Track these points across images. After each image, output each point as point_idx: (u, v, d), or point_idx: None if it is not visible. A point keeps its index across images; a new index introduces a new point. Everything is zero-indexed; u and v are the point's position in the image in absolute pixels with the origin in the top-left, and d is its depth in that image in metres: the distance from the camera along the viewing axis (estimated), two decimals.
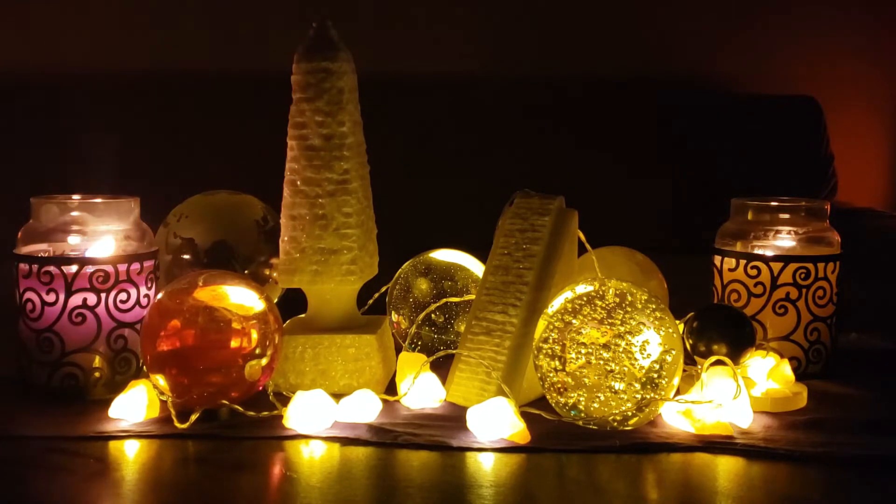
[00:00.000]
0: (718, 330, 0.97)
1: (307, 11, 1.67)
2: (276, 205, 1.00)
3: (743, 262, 1.04)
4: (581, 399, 0.83)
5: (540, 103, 1.74)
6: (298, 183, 0.96)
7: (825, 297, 1.03)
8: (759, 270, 1.03)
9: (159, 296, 0.89)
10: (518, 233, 0.98)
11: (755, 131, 1.76)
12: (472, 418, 0.84)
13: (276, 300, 1.12)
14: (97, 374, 0.93)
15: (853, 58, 1.93)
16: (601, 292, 0.85)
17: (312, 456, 0.81)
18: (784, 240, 1.07)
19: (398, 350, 1.05)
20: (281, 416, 0.86)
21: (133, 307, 0.94)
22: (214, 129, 1.64)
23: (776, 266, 1.03)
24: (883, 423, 0.88)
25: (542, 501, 0.73)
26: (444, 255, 1.10)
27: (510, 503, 0.72)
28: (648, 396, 0.82)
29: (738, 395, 0.88)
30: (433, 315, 1.07)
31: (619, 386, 0.82)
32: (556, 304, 0.87)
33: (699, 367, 0.93)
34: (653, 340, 0.82)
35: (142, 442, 0.83)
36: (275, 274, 1.13)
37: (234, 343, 0.86)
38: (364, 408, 0.88)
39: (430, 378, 0.94)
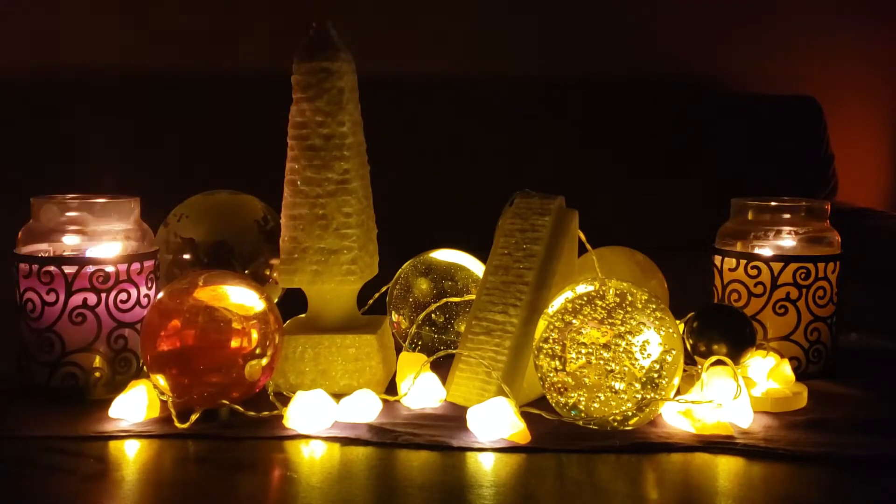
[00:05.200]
0: (718, 330, 0.97)
1: (307, 11, 1.67)
2: (276, 205, 1.00)
3: (743, 262, 1.04)
4: (581, 399, 0.83)
5: (540, 103, 1.74)
6: (298, 183, 0.96)
7: (825, 297, 1.03)
8: (760, 270, 1.03)
9: (159, 296, 0.89)
10: (518, 233, 0.98)
11: (755, 131, 1.76)
12: (472, 418, 0.84)
13: (276, 300, 1.12)
14: (97, 374, 0.93)
15: (853, 58, 1.93)
16: (601, 292, 0.85)
17: (312, 456, 0.81)
18: (784, 240, 1.07)
19: (398, 350, 1.05)
20: (281, 416, 0.86)
21: (133, 307, 0.94)
22: (214, 129, 1.63)
23: (776, 266, 1.03)
24: (883, 423, 0.88)
25: (542, 501, 0.73)
26: (444, 255, 1.10)
27: (510, 503, 0.72)
28: (648, 396, 0.82)
29: (739, 395, 0.88)
30: (433, 315, 1.07)
31: (619, 386, 0.82)
32: (557, 303, 0.87)
33: (699, 367, 0.93)
34: (653, 340, 0.82)
35: (142, 442, 0.83)
36: (275, 274, 1.13)
37: (234, 343, 0.86)
38: (364, 408, 0.88)
39: (430, 378, 0.94)
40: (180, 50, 1.74)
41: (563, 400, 0.85)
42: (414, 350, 1.06)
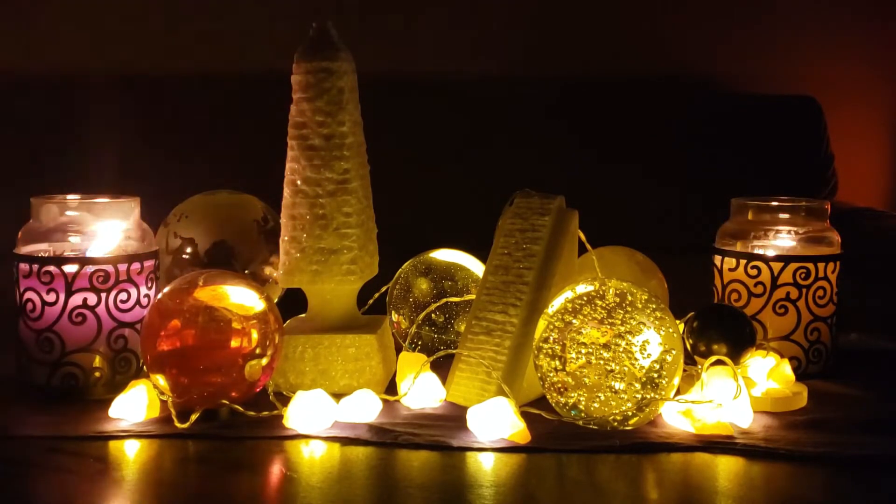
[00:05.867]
0: (718, 330, 0.97)
1: (307, 11, 1.67)
2: (276, 205, 1.00)
3: (743, 262, 1.04)
4: (581, 399, 0.83)
5: (540, 103, 1.73)
6: (298, 183, 0.96)
7: (825, 297, 1.03)
8: (760, 270, 1.03)
9: (159, 296, 0.89)
10: (518, 233, 0.98)
11: (755, 131, 1.76)
12: (472, 418, 0.84)
13: (276, 300, 1.12)
14: (97, 374, 0.93)
15: (853, 58, 1.93)
16: (601, 292, 0.85)
17: (312, 456, 0.81)
18: (784, 240, 1.07)
19: (398, 350, 1.05)
20: (281, 416, 0.86)
21: (133, 307, 0.94)
22: (215, 128, 1.63)
23: (776, 266, 1.03)
24: (883, 423, 0.88)
25: (542, 501, 0.73)
26: (444, 255, 1.10)
27: (510, 503, 0.72)
28: (648, 396, 0.82)
29: (739, 395, 0.88)
30: (433, 315, 1.07)
31: (619, 386, 0.82)
32: (557, 303, 0.87)
33: (699, 367, 0.93)
34: (653, 340, 0.82)
35: (142, 442, 0.83)
36: (275, 274, 1.13)
37: (234, 343, 0.86)
38: (364, 408, 0.88)
39: (430, 378, 0.94)
40: (180, 50, 1.74)
41: (563, 400, 0.85)
42: (414, 350, 1.06)
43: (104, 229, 0.96)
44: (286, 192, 0.97)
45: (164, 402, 0.89)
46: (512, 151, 1.68)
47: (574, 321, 0.84)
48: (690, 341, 0.98)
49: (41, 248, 0.95)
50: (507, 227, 0.99)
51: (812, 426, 0.87)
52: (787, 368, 0.96)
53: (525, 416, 0.85)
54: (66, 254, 0.94)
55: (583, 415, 0.84)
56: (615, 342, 0.82)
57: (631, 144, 1.72)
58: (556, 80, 1.80)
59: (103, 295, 0.92)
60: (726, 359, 0.91)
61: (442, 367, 0.97)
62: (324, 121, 0.95)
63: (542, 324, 0.87)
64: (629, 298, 0.84)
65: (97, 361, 0.93)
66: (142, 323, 0.92)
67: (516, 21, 1.83)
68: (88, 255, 0.94)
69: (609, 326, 0.83)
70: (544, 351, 0.85)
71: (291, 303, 1.08)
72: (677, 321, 0.88)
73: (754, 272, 1.04)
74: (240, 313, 0.87)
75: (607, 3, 1.85)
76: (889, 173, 1.99)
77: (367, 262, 0.99)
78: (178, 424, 0.85)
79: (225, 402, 0.87)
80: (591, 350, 0.82)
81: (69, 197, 0.98)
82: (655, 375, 0.82)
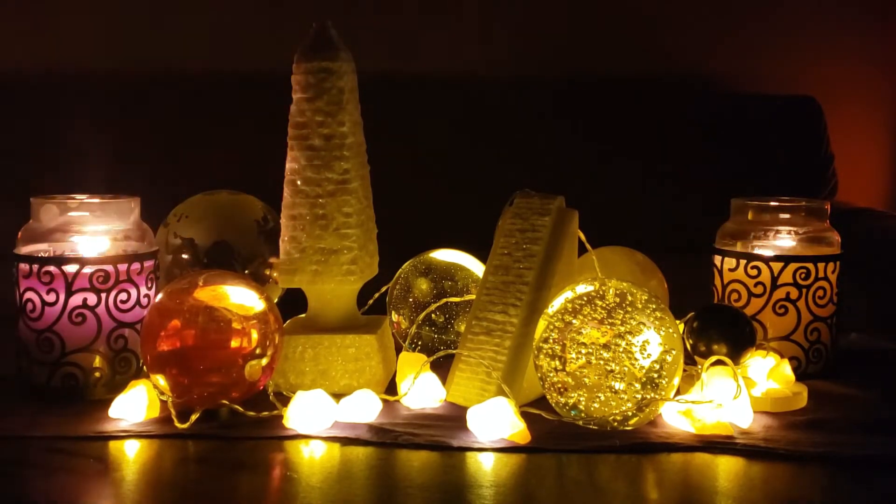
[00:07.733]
0: (718, 330, 0.97)
1: (307, 11, 1.67)
2: (276, 205, 1.00)
3: (743, 262, 1.05)
4: (581, 399, 0.83)
5: (540, 103, 1.73)
6: (298, 183, 0.96)
7: (825, 297, 1.03)
8: (760, 270, 1.03)
9: (159, 296, 0.89)
10: (518, 233, 0.98)
11: (755, 131, 1.76)
12: (472, 418, 0.84)
13: (276, 300, 1.12)
14: (97, 374, 0.93)
15: (853, 58, 1.93)
16: (601, 292, 0.85)
17: (312, 456, 0.81)
18: (784, 240, 1.07)
19: (398, 350, 1.05)
20: (281, 416, 0.86)
21: (133, 307, 0.94)
22: (214, 129, 1.63)
23: (776, 266, 1.03)
24: (883, 423, 0.88)
25: (542, 501, 0.73)
26: (444, 255, 1.10)
27: (510, 503, 0.72)
28: (648, 396, 0.82)
29: (739, 395, 0.88)
30: (433, 315, 1.07)
31: (619, 386, 0.82)
32: (557, 304, 0.87)
33: (699, 367, 0.93)
34: (653, 340, 0.83)
35: (142, 442, 0.83)
36: (275, 274, 1.13)
37: (234, 343, 0.86)
38: (364, 408, 0.88)
39: (430, 378, 0.94)
40: (180, 50, 1.74)
41: (563, 400, 0.85)
42: (414, 350, 1.06)
43: (104, 229, 0.96)
44: (286, 192, 0.97)
45: (164, 402, 0.89)
46: (512, 151, 1.68)
47: (574, 321, 0.84)
48: (690, 341, 0.98)
49: (41, 248, 0.95)
50: (507, 227, 0.99)
51: (812, 426, 0.87)
52: (787, 368, 0.96)
53: (525, 416, 0.85)
54: (66, 254, 0.94)
55: (583, 415, 0.84)
56: (615, 342, 0.82)
57: (631, 144, 1.72)
58: (556, 79, 1.80)
59: (103, 295, 0.92)
60: (726, 359, 0.92)
61: (442, 367, 0.97)
62: (324, 121, 0.95)
63: (542, 324, 0.87)
64: (629, 298, 0.84)
65: (97, 361, 0.93)
66: (142, 323, 0.92)
67: (516, 21, 1.83)
68: (88, 255, 0.94)
69: (609, 326, 0.83)
70: (544, 351, 0.85)
71: (291, 303, 1.08)
72: (677, 321, 0.88)
73: (754, 272, 1.04)
74: (240, 313, 0.87)
75: (607, 3, 1.85)
76: (889, 173, 1.99)
77: (367, 262, 0.99)
78: (178, 424, 0.85)
79: (225, 402, 0.87)
80: (591, 350, 0.82)
81: (69, 197, 0.98)
82: (655, 375, 0.82)
